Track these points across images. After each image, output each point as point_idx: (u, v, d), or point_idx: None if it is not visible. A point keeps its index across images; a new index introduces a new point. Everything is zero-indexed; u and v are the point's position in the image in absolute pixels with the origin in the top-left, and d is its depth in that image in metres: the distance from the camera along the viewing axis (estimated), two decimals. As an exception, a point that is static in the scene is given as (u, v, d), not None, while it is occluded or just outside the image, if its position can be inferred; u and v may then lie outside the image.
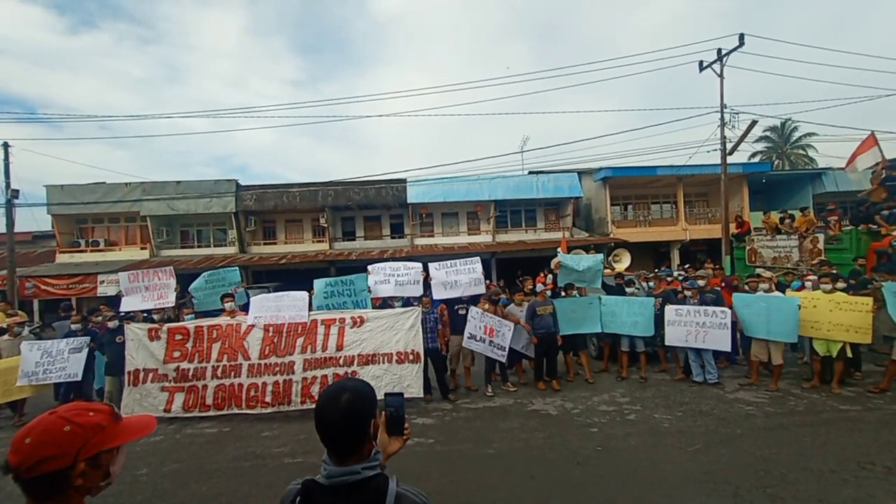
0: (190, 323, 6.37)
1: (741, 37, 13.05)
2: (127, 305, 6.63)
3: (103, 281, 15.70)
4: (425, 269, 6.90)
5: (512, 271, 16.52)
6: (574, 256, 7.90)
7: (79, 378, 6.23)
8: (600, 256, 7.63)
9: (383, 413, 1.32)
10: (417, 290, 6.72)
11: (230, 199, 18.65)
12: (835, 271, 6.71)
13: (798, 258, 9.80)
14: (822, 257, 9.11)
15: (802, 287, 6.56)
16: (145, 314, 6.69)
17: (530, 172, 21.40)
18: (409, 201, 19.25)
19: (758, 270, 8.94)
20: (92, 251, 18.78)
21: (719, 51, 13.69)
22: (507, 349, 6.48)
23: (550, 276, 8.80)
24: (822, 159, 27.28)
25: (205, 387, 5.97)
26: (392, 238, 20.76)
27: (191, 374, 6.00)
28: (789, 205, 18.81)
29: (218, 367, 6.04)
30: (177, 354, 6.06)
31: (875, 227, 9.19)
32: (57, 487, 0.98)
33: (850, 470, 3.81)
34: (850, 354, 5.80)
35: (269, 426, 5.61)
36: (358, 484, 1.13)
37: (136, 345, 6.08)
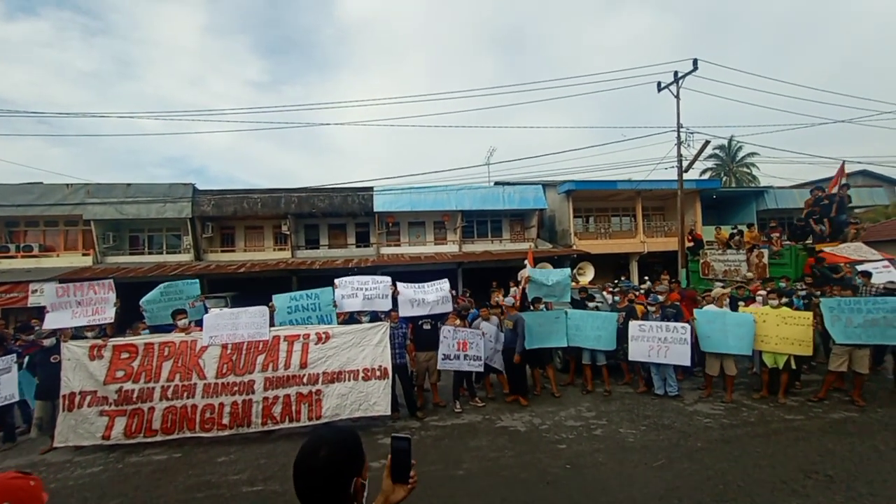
0: (138, 339, 5.89)
1: (695, 62, 13.91)
2: (53, 322, 5.87)
3: (36, 290, 14.32)
4: (393, 282, 6.77)
5: (478, 281, 16.61)
6: (543, 270, 8.02)
7: (16, 398, 5.71)
8: (568, 270, 7.78)
9: (388, 457, 1.23)
10: (386, 305, 6.57)
11: (186, 204, 17.65)
12: (783, 285, 7.17)
13: (746, 271, 10.45)
14: (750, 273, 9.84)
15: (753, 301, 6.96)
16: (74, 331, 6.06)
17: (496, 184, 21.73)
18: (375, 210, 18.99)
19: (717, 284, 9.45)
20: (24, 257, 17.13)
21: (676, 73, 14.51)
22: (482, 357, 6.44)
23: (516, 288, 8.89)
24: (764, 178, 29.54)
25: (151, 409, 5.51)
26: (357, 247, 20.37)
27: (135, 395, 5.53)
28: (736, 220, 20.14)
29: (168, 387, 5.61)
30: (120, 374, 5.57)
31: (810, 244, 9.99)
32: None
33: (798, 480, 4.02)
34: (793, 366, 6.20)
35: (226, 450, 5.26)
36: None
37: (73, 365, 5.54)
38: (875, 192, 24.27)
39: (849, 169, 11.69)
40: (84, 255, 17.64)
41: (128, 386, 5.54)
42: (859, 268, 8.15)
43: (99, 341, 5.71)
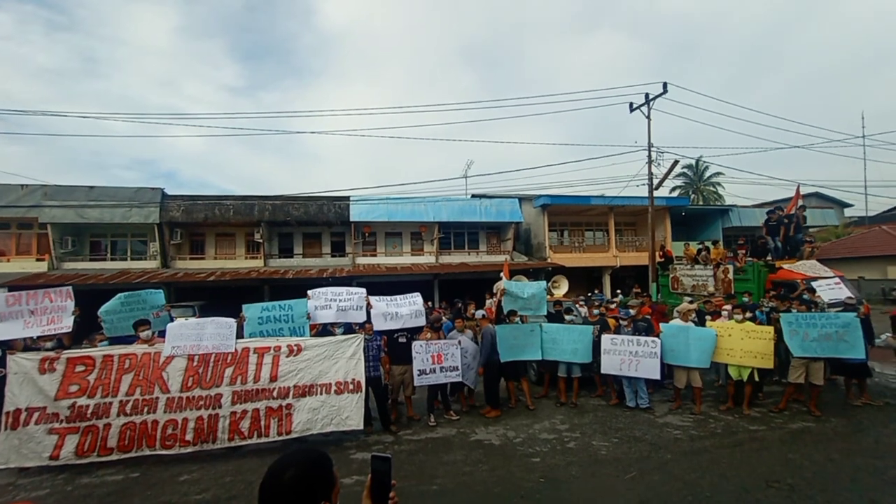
0: (96, 350, 5.55)
1: (665, 85, 14.57)
2: (1, 334, 5.44)
3: (-17, 297, 13.40)
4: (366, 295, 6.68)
5: (455, 293, 16.61)
6: (518, 283, 8.08)
7: None
8: (544, 283, 7.88)
9: (369, 476, 1.22)
10: (361, 316, 6.45)
11: (154, 209, 17.00)
12: (746, 299, 7.46)
13: (713, 286, 10.86)
14: (712, 289, 10.27)
15: (719, 316, 7.22)
16: (27, 344, 5.66)
17: (473, 196, 21.96)
18: (351, 219, 18.82)
19: (685, 299, 9.77)
20: (-29, 261, 16.07)
21: (647, 95, 15.15)
22: (460, 367, 6.41)
23: (490, 300, 8.92)
24: (728, 197, 31.05)
25: (107, 426, 5.18)
26: (333, 256, 20.07)
27: (90, 411, 5.18)
28: (704, 236, 21.02)
29: (127, 401, 5.29)
30: (73, 389, 5.21)
31: (770, 260, 10.52)
32: None
33: (761, 489, 4.16)
34: (757, 378, 6.44)
35: (188, 468, 4.99)
36: None
37: (20, 379, 5.15)
38: (827, 213, 25.87)
39: (803, 191, 12.44)
40: (38, 260, 16.67)
41: (82, 401, 5.20)
42: (814, 284, 8.61)
43: (52, 353, 5.34)
